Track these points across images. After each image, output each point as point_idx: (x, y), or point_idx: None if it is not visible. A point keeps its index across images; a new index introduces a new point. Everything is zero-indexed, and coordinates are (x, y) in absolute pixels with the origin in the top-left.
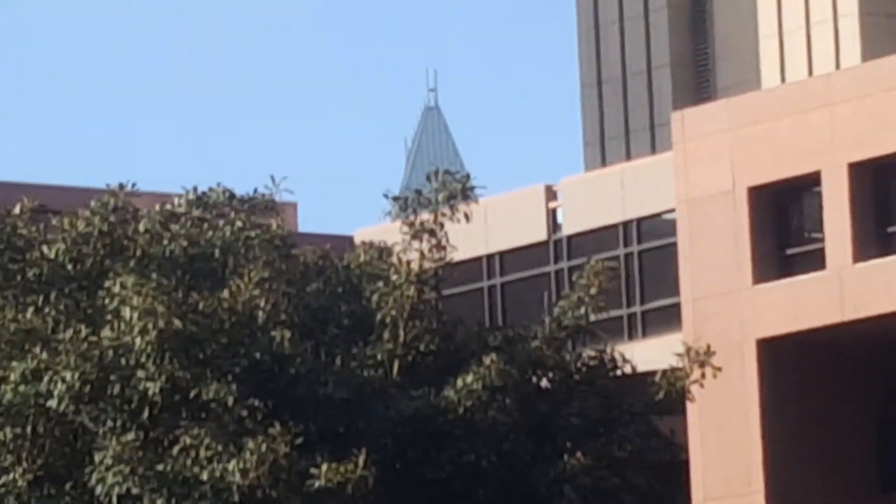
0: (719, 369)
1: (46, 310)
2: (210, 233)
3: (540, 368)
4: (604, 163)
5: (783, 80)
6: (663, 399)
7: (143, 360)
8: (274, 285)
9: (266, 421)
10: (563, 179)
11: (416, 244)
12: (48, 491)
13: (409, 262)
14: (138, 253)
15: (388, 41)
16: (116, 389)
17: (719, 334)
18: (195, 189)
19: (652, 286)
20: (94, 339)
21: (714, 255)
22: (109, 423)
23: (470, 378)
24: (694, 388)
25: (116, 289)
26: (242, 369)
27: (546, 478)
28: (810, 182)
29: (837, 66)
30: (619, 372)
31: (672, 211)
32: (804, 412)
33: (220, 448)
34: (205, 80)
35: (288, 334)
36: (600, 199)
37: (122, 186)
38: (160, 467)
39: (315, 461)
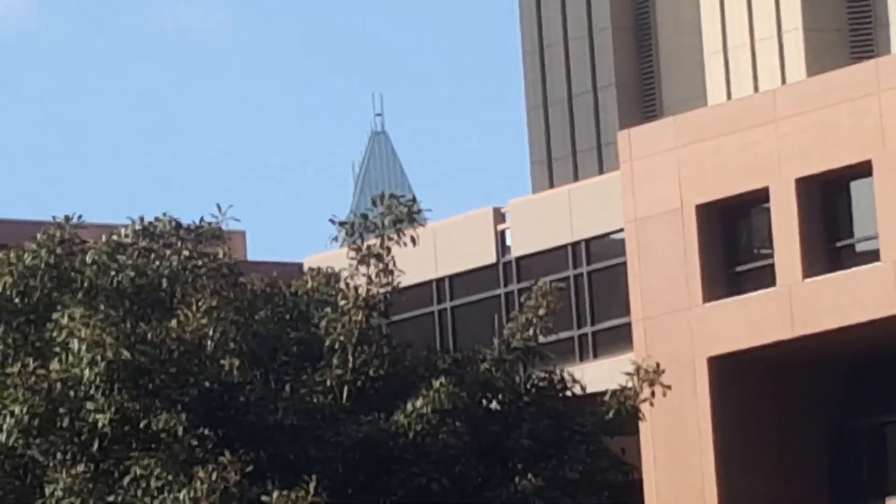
0: (669, 387)
1: None
2: (157, 263)
3: (490, 391)
4: (551, 184)
5: (729, 96)
6: (614, 419)
7: (91, 391)
8: (222, 314)
9: (216, 449)
10: (511, 201)
11: (363, 269)
12: None
13: (356, 288)
14: (86, 284)
15: (335, 67)
16: (66, 422)
17: (670, 353)
18: (141, 219)
19: (602, 306)
20: (42, 371)
21: (663, 273)
22: (59, 456)
23: (419, 402)
24: (646, 408)
25: (64, 321)
26: (192, 398)
27: (498, 500)
28: (758, 198)
29: (783, 81)
30: (568, 393)
31: (620, 230)
32: (756, 428)
33: (170, 478)
34: (150, 109)
35: (237, 362)
36: (548, 220)
37: (68, 218)
38: (111, 499)
39: (266, 488)
